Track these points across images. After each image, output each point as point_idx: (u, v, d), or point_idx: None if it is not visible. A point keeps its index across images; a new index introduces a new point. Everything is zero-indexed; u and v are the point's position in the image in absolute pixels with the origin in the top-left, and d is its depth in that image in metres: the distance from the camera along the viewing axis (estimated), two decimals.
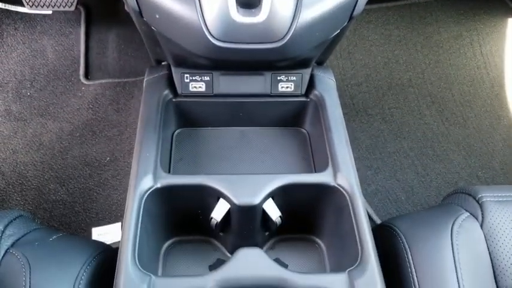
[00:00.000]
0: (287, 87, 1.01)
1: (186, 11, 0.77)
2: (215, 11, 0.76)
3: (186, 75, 0.98)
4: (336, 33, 0.87)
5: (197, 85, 0.99)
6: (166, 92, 1.00)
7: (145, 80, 1.03)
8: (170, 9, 0.77)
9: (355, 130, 1.65)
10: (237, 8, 0.76)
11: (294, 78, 1.00)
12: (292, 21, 0.78)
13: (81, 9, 1.88)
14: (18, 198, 1.45)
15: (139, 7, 0.80)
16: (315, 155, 1.01)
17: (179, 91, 1.00)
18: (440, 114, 1.72)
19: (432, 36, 1.91)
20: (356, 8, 0.83)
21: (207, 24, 0.77)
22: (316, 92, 1.01)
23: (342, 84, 1.79)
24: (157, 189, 0.82)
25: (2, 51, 1.80)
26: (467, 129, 1.68)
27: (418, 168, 1.57)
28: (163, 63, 1.09)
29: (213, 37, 0.77)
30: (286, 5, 0.77)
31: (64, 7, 1.76)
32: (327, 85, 1.03)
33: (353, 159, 0.88)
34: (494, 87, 1.80)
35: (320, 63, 1.09)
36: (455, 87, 1.79)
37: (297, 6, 0.77)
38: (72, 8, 1.74)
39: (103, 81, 1.75)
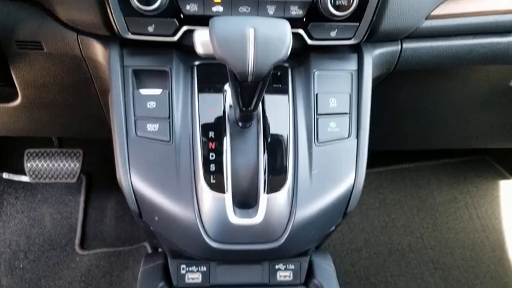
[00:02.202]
0: (285, 276, 0.98)
1: (185, 212, 0.78)
2: (212, 212, 0.77)
3: (182, 265, 0.97)
4: (331, 229, 0.88)
5: (193, 276, 0.97)
6: (162, 284, 0.97)
7: (140, 270, 1.01)
8: (169, 212, 0.79)
9: None
10: (234, 209, 0.77)
11: (293, 266, 0.98)
12: (288, 221, 0.79)
13: (83, 177, 1.94)
14: None
15: (139, 209, 0.82)
16: None
17: (174, 283, 0.98)
18: (444, 282, 1.66)
19: (426, 200, 1.95)
20: (349, 204, 0.85)
21: (205, 226, 0.78)
22: (315, 281, 0.99)
23: (341, 249, 1.76)
24: None
25: (0, 221, 1.80)
26: None
27: None
28: (159, 250, 1.08)
29: (210, 238, 0.77)
30: (282, 205, 0.79)
31: (66, 179, 1.81)
32: (326, 272, 1.01)
33: None
34: (496, 251, 1.78)
35: (318, 246, 1.08)
36: (456, 252, 1.76)
37: (292, 205, 0.79)
38: (74, 180, 1.79)
39: (98, 250, 1.71)
